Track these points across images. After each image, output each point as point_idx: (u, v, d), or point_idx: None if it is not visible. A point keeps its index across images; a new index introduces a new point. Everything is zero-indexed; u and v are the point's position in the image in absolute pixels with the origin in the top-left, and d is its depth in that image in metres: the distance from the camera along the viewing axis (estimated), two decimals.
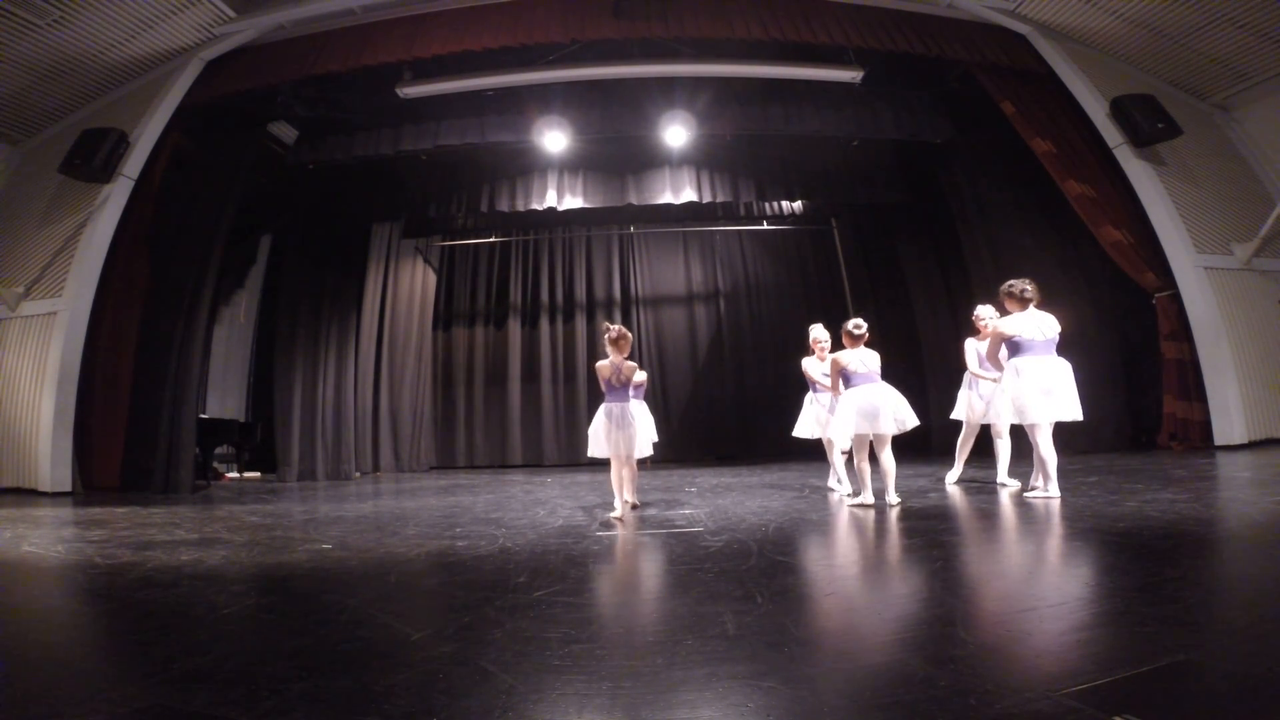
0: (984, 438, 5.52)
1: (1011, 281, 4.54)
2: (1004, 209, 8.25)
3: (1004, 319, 4.52)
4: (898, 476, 4.61)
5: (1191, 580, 2.36)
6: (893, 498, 4.41)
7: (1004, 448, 5.19)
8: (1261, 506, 3.61)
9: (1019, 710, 1.38)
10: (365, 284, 10.05)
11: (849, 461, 5.55)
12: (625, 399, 4.71)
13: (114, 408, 7.20)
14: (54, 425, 6.68)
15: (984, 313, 5.31)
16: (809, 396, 5.63)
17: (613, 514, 4.59)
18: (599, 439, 4.67)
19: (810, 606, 2.47)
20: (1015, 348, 4.41)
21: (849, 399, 4.54)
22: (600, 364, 4.72)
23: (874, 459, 4.56)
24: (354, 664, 1.85)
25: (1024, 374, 4.34)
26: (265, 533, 4.22)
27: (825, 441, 5.58)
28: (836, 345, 5.53)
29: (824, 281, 11.30)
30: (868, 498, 4.48)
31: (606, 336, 4.69)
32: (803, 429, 5.63)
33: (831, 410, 5.46)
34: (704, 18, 7.16)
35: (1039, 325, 4.39)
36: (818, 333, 5.55)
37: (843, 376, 4.63)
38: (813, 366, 5.52)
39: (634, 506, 4.54)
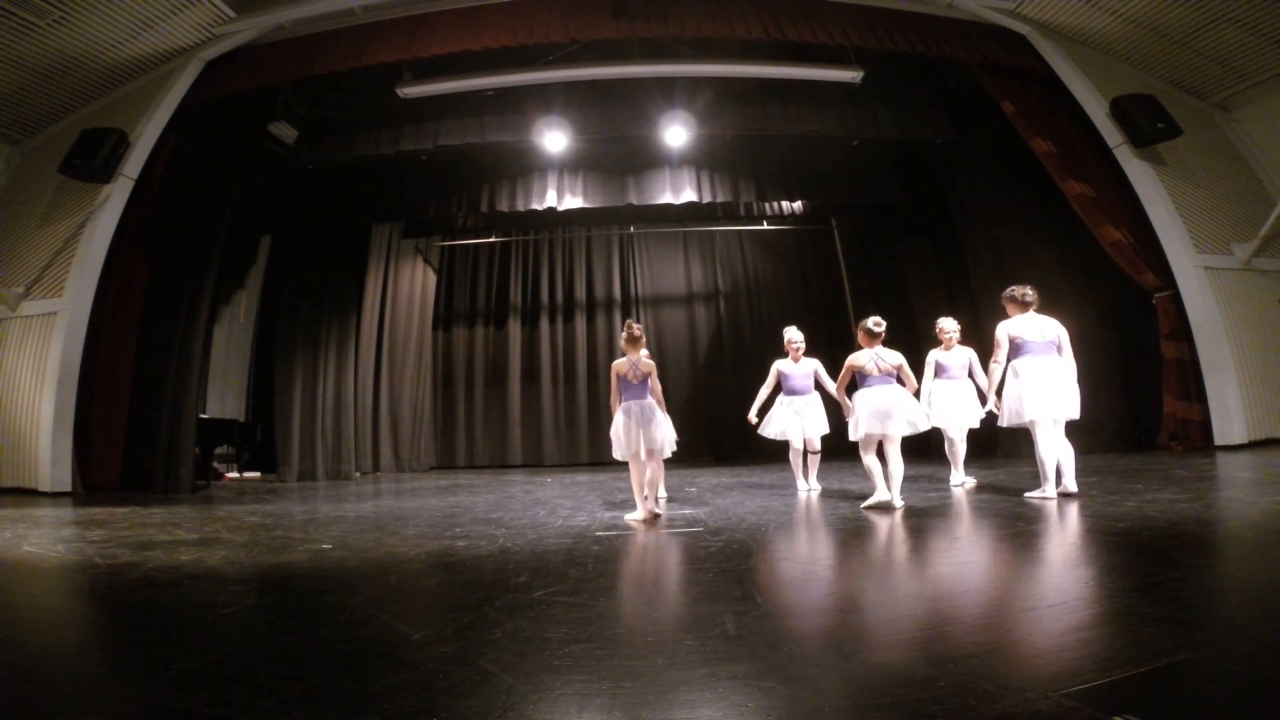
0: (972, 438, 5.64)
1: (1012, 286, 4.64)
2: (1004, 209, 8.26)
3: (1005, 321, 4.57)
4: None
5: (1191, 580, 2.36)
6: (897, 500, 4.33)
7: (961, 450, 5.40)
8: (1261, 506, 3.61)
9: (1019, 710, 1.38)
10: (365, 284, 10.04)
11: (815, 459, 5.68)
12: (644, 395, 4.53)
13: (114, 408, 7.20)
14: (54, 425, 6.68)
15: (947, 325, 5.48)
16: (781, 399, 5.65)
17: (632, 516, 4.42)
18: (620, 439, 4.48)
19: (810, 606, 2.47)
20: (1016, 349, 4.48)
21: (861, 399, 4.47)
22: (617, 362, 4.57)
23: (882, 457, 4.49)
24: (354, 664, 1.84)
25: (1023, 375, 4.41)
26: (265, 533, 4.22)
27: (792, 444, 5.62)
28: (809, 348, 5.72)
29: (824, 281, 11.30)
30: (883, 495, 4.33)
31: (626, 335, 4.57)
32: (771, 429, 5.62)
33: (802, 413, 5.53)
34: (704, 18, 7.17)
35: (1039, 328, 4.46)
36: (792, 334, 5.64)
37: (857, 378, 4.55)
38: (786, 368, 5.61)
39: (656, 516, 4.38)
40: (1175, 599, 2.09)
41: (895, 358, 4.48)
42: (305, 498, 6.61)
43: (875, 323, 4.50)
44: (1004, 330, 4.51)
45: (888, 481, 4.38)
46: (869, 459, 4.44)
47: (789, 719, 1.44)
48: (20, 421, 6.85)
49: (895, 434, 4.39)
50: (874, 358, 4.48)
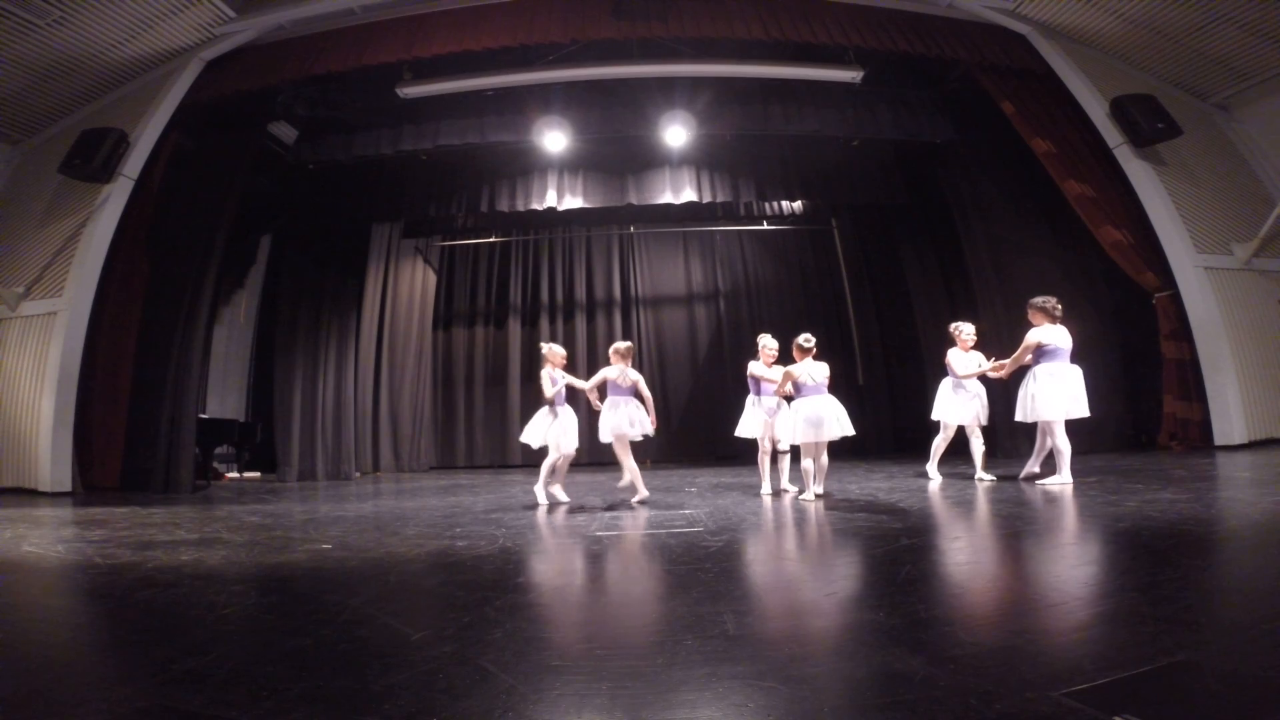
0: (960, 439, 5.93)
1: (1043, 298, 5.13)
2: (1004, 209, 8.25)
3: (1036, 329, 5.05)
4: (828, 473, 5.30)
5: (1191, 580, 2.36)
6: (819, 490, 5.03)
7: (785, 461, 5.71)
8: (1261, 506, 3.61)
9: (1019, 710, 1.38)
10: (365, 284, 10.04)
11: (785, 460, 5.87)
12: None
13: (114, 408, 7.19)
14: (54, 425, 6.68)
15: (965, 328, 5.81)
16: (750, 399, 5.74)
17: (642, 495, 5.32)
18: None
19: (810, 606, 2.47)
20: (1042, 354, 5.01)
21: (797, 408, 5.03)
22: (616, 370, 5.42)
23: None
24: (354, 664, 1.85)
25: (1054, 376, 4.96)
26: (265, 533, 4.22)
27: (761, 443, 5.71)
28: (784, 354, 5.78)
29: (824, 281, 11.29)
30: (819, 489, 5.04)
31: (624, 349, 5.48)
32: (745, 430, 5.76)
33: (771, 414, 5.64)
34: (704, 17, 7.16)
35: (1064, 337, 5.04)
36: (766, 341, 5.81)
37: (794, 386, 5.07)
38: (758, 369, 5.74)
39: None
40: (1175, 599, 2.09)
41: (823, 372, 5.06)
42: (305, 498, 6.61)
43: (805, 339, 5.09)
44: (1036, 336, 5.02)
45: (817, 478, 5.03)
46: (807, 463, 5.03)
47: (789, 719, 1.44)
48: (20, 421, 6.84)
49: (827, 439, 4.93)
50: (807, 369, 5.02)
